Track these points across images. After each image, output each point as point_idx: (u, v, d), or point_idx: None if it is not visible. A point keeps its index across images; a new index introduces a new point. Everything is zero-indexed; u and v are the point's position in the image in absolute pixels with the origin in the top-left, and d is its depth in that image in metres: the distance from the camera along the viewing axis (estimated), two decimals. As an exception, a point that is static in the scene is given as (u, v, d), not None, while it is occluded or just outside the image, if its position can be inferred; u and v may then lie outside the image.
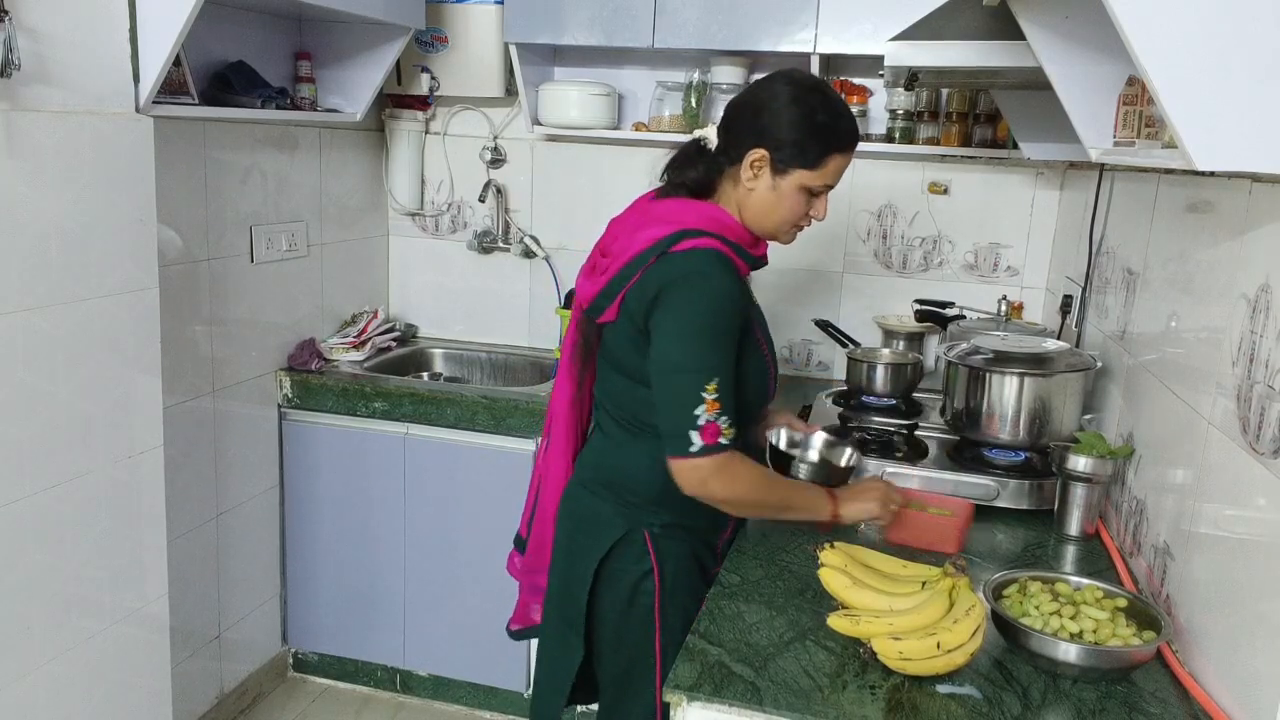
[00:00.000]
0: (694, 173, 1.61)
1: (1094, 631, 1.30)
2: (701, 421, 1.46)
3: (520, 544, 1.90)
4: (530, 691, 2.74)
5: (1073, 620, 1.31)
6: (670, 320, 1.50)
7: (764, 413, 1.84)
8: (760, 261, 1.64)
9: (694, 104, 2.81)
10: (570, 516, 1.72)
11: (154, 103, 1.89)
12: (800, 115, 1.52)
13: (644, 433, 1.62)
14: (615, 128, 2.89)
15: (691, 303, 1.49)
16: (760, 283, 2.92)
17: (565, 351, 1.77)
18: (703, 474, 1.49)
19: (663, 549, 1.63)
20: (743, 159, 1.55)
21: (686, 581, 1.65)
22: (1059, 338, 2.30)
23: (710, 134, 1.61)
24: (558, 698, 1.73)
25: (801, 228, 1.63)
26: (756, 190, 1.56)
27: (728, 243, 1.55)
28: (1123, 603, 1.37)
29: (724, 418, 1.47)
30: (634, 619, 1.64)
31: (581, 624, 1.68)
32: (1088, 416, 1.96)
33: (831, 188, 1.59)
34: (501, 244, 3.16)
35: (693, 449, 1.47)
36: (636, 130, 2.88)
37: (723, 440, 1.48)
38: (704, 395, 1.46)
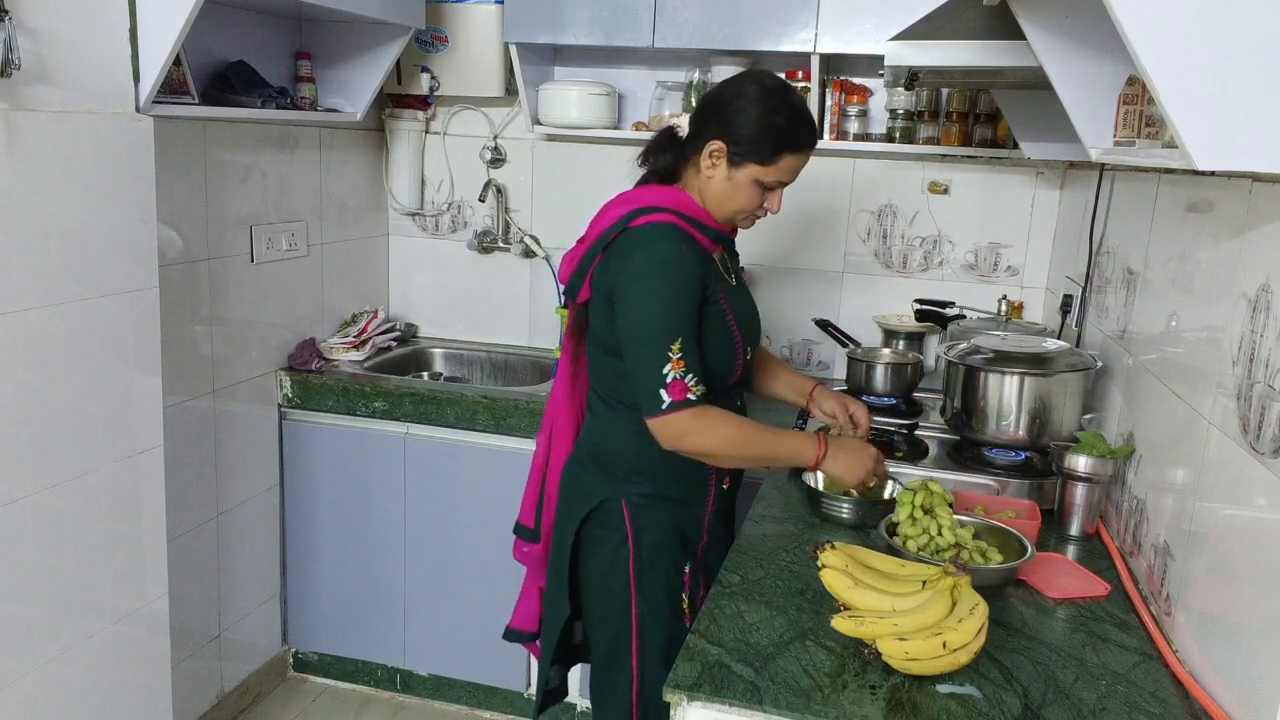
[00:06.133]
0: (663, 159, 1.74)
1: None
2: (669, 379, 1.58)
3: (522, 531, 1.96)
4: (529, 691, 2.75)
5: (938, 552, 1.56)
6: (630, 290, 1.61)
7: (810, 390, 1.96)
8: (722, 235, 1.74)
9: (694, 104, 2.81)
10: (564, 489, 1.82)
11: (154, 102, 1.89)
12: (760, 114, 1.62)
13: (620, 405, 1.72)
14: (615, 127, 2.89)
15: (645, 272, 1.60)
16: (761, 282, 2.95)
17: (565, 336, 1.86)
18: (676, 428, 1.60)
19: (641, 519, 1.71)
20: (704, 148, 1.66)
21: (667, 552, 1.72)
22: (1059, 337, 2.30)
23: (684, 122, 1.73)
24: (547, 652, 1.85)
25: (758, 217, 1.74)
26: (714, 179, 1.67)
27: (687, 219, 1.66)
28: (997, 540, 1.61)
29: (690, 375, 1.59)
30: (615, 586, 1.72)
31: (566, 585, 1.78)
32: (1088, 416, 1.96)
33: (785, 184, 1.69)
34: (501, 244, 3.16)
35: (663, 406, 1.58)
36: (636, 130, 2.88)
37: (690, 396, 1.59)
38: (669, 355, 1.58)
